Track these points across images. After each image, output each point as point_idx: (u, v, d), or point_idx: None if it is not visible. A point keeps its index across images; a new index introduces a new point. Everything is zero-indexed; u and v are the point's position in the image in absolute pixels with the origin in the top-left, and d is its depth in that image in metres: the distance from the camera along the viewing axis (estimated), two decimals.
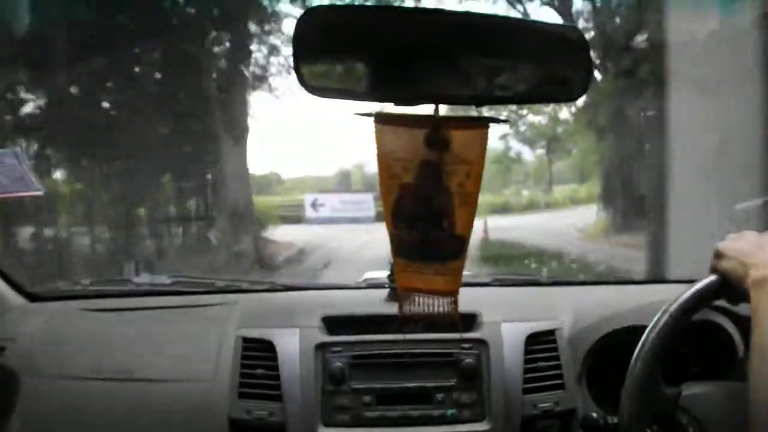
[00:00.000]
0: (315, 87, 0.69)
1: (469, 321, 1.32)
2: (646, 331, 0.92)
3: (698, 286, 0.94)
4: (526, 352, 1.25)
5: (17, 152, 1.15)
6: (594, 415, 1.02)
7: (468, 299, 1.37)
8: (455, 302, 0.82)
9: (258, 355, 1.25)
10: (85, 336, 1.34)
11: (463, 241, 0.79)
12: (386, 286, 1.39)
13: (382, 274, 1.45)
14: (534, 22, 0.75)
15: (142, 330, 1.35)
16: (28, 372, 1.25)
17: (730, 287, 0.90)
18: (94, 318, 1.40)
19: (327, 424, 1.18)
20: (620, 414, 0.89)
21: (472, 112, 0.87)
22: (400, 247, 0.79)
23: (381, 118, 0.73)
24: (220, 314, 1.37)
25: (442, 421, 1.19)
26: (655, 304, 1.12)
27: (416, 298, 0.81)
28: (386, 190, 0.75)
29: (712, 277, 0.93)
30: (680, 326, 0.92)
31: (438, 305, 0.81)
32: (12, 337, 1.31)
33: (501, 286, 1.57)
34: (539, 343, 1.28)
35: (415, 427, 1.18)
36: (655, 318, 0.93)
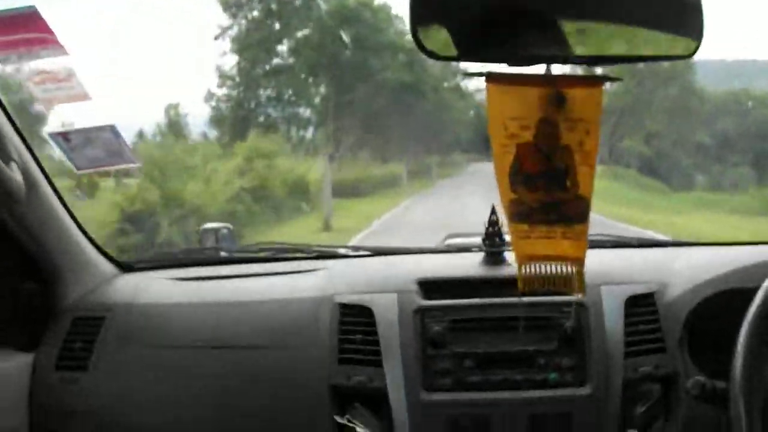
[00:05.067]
0: (432, 51, 0.68)
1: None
2: (758, 294, 0.88)
3: None
4: (626, 315, 1.23)
5: (114, 127, 1.18)
6: (702, 379, 0.98)
7: None
8: (581, 270, 0.80)
9: (356, 320, 1.24)
10: (179, 305, 1.36)
11: (587, 202, 0.76)
12: (479, 249, 1.39)
13: (470, 240, 1.45)
14: None
15: (235, 297, 1.37)
16: (129, 341, 1.29)
17: None
18: (187, 287, 1.43)
19: (428, 389, 1.17)
20: (731, 381, 0.86)
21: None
22: (520, 212, 0.77)
23: (493, 78, 0.72)
24: (313, 280, 1.37)
25: (545, 384, 1.18)
26: (759, 265, 1.10)
27: (537, 267, 0.79)
28: (502, 152, 0.74)
29: None
30: None
31: (562, 272, 0.79)
32: (109, 307, 1.34)
33: (593, 247, 1.53)
34: (638, 305, 1.25)
35: (517, 391, 1.17)
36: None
